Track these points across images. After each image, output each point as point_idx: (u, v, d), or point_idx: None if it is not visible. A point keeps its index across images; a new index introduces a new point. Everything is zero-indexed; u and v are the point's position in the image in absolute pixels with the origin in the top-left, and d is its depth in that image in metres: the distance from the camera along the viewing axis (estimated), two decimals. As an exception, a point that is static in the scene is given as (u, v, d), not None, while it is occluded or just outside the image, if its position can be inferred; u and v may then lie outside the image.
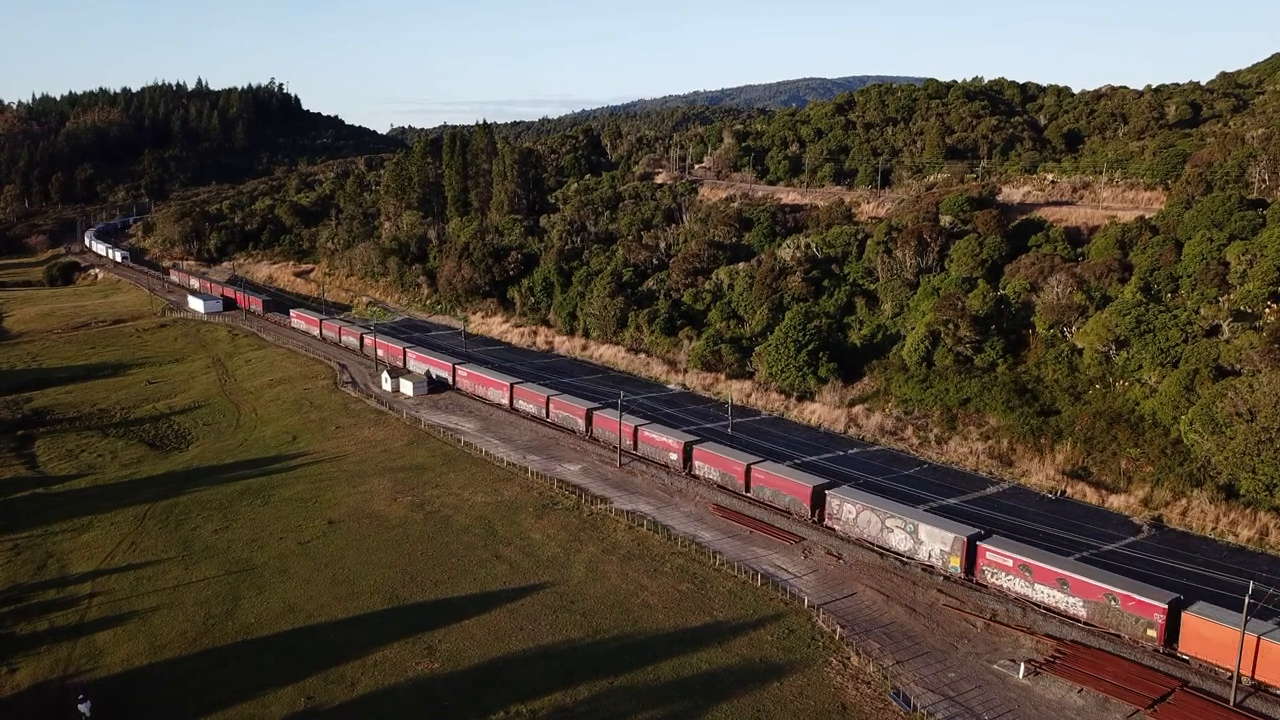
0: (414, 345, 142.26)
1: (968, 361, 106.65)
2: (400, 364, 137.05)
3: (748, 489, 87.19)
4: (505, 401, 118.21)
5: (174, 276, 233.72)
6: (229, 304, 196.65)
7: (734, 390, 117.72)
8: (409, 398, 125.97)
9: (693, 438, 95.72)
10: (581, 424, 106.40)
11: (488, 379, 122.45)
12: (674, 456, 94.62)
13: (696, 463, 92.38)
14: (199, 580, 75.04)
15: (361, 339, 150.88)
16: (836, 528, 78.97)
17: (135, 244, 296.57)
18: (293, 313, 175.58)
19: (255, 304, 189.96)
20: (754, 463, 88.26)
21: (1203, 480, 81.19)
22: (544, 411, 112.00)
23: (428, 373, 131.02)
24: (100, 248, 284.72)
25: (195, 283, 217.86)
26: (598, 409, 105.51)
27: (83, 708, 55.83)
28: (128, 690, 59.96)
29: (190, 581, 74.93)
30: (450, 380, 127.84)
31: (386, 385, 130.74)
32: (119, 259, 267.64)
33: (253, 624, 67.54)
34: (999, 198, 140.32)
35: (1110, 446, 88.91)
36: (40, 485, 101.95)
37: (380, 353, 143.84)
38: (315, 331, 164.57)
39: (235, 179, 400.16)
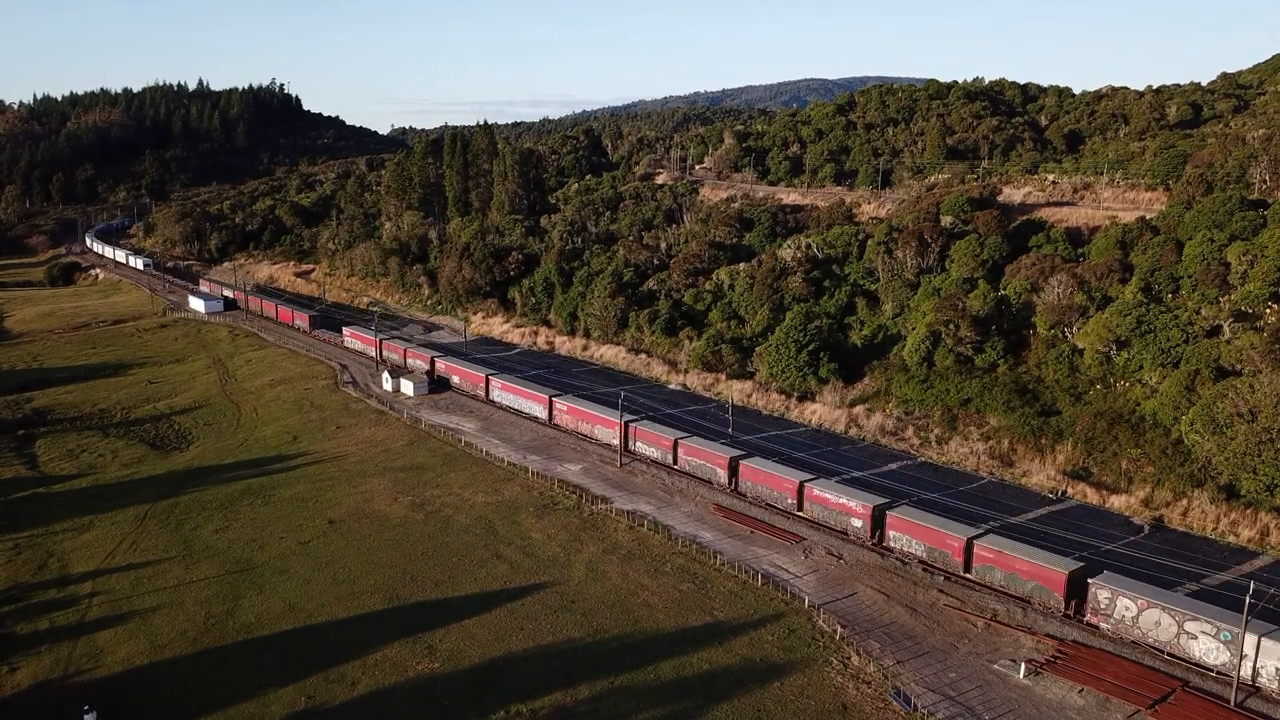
0: (498, 372, 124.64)
1: (968, 362, 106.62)
2: (483, 392, 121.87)
3: (968, 569, 70.30)
4: (617, 442, 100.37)
5: (205, 286, 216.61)
6: (230, 304, 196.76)
7: (735, 390, 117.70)
8: (409, 397, 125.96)
9: (882, 500, 78.98)
10: (723, 474, 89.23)
11: (592, 414, 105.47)
12: (857, 523, 77.91)
13: (891, 532, 75.40)
14: (199, 580, 75.06)
15: (433, 363, 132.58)
16: (1104, 626, 62.50)
17: (137, 244, 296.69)
18: (346, 331, 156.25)
19: (300, 319, 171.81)
20: (975, 535, 70.95)
21: (1203, 481, 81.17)
22: (671, 457, 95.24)
23: (513, 404, 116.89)
24: (119, 254, 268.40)
25: (228, 293, 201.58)
26: (743, 457, 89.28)
27: (88, 719, 55.84)
28: (128, 690, 59.97)
29: (191, 581, 74.95)
30: (547, 415, 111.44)
31: (387, 385, 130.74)
32: (141, 265, 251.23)
33: (253, 623, 67.55)
34: (1000, 198, 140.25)
35: (1111, 447, 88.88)
36: (41, 485, 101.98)
37: (456, 379, 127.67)
38: (371, 351, 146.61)
39: (236, 179, 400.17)
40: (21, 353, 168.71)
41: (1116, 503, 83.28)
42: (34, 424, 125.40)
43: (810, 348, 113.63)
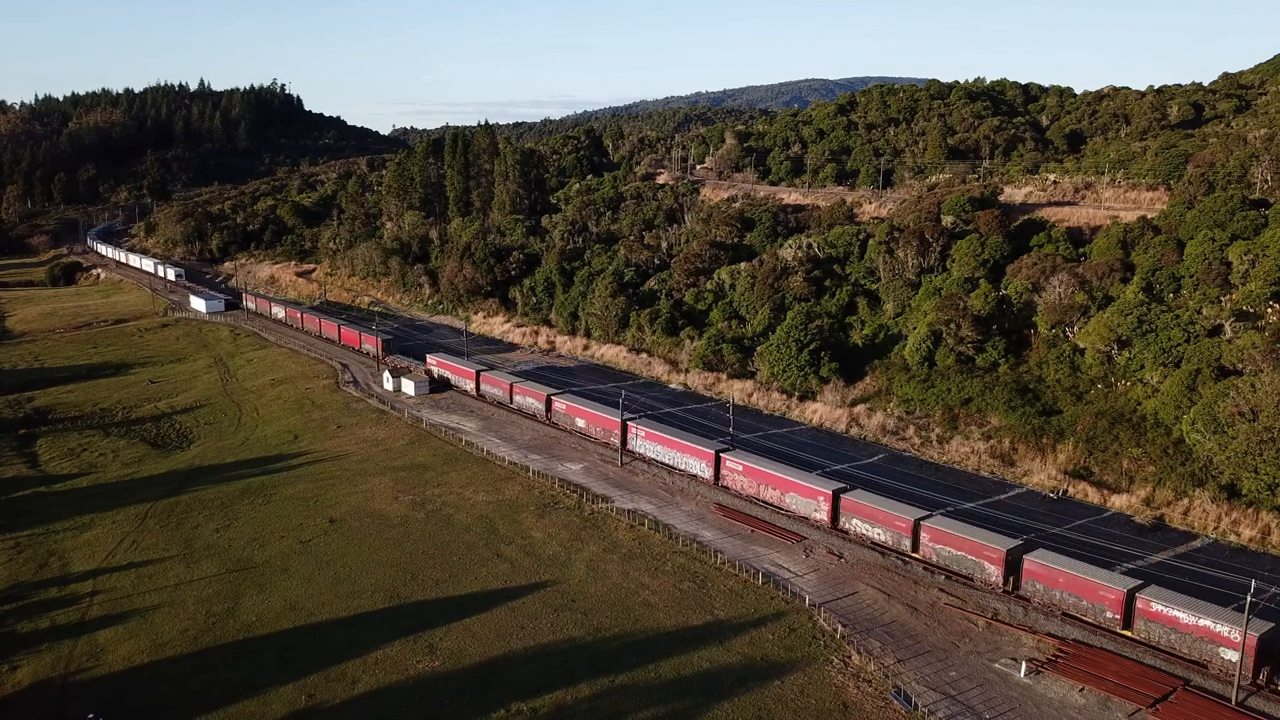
0: (637, 416, 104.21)
1: (969, 361, 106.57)
2: (622, 440, 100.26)
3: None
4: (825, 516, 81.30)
5: (250, 303, 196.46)
6: (230, 304, 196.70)
7: (735, 390, 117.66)
8: (410, 397, 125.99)
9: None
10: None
11: (777, 476, 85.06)
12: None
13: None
14: (200, 579, 75.09)
15: (549, 403, 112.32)
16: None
17: (138, 244, 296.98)
18: (430, 359, 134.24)
19: (370, 343, 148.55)
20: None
21: (1204, 480, 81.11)
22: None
23: (660, 456, 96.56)
24: (147, 264, 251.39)
25: (280, 311, 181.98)
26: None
27: None
28: (129, 688, 59.99)
29: (191, 580, 74.98)
30: (713, 475, 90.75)
31: (388, 385, 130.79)
32: (172, 276, 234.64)
33: (254, 622, 67.58)
34: (1001, 198, 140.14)
35: (1112, 446, 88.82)
36: (42, 484, 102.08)
37: (581, 422, 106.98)
38: (470, 387, 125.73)
39: (237, 179, 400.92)
40: (23, 352, 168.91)
41: (1117, 502, 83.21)
42: (35, 423, 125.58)
43: (811, 347, 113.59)
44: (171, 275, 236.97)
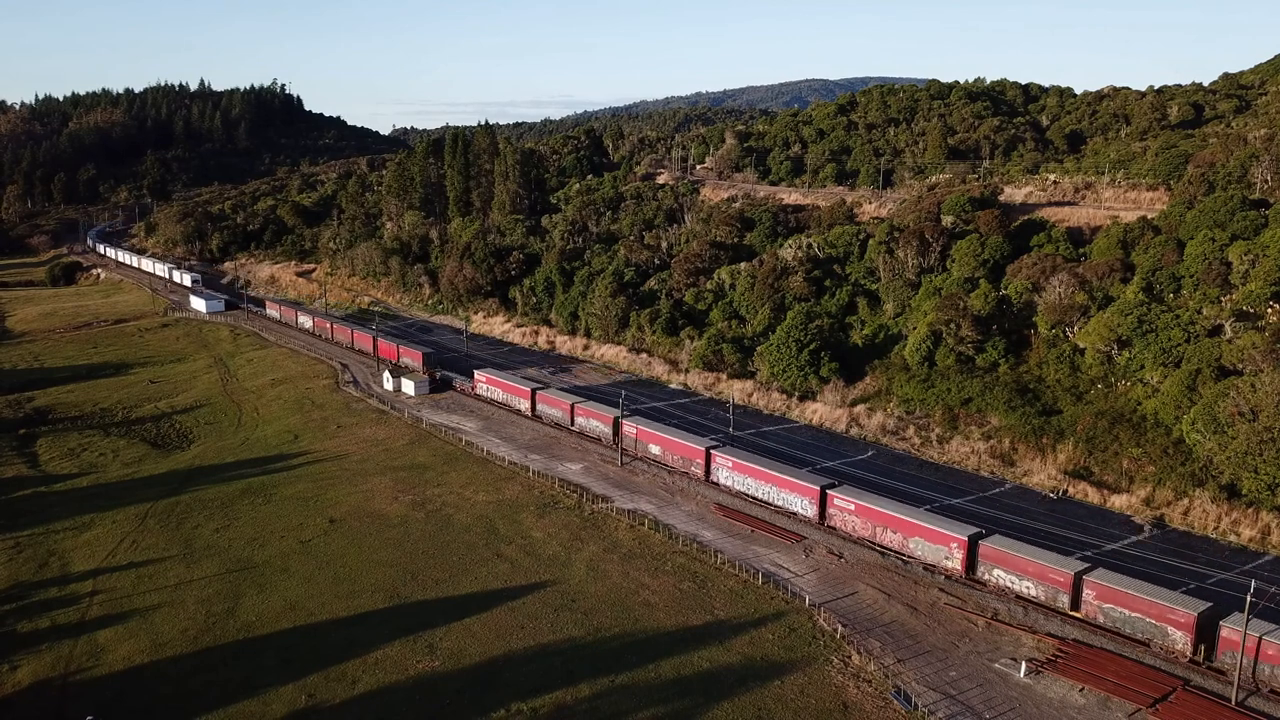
0: (721, 445, 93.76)
1: (969, 361, 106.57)
2: (706, 471, 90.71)
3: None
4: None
5: (271, 309, 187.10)
6: (231, 304, 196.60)
7: (736, 390, 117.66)
8: (410, 397, 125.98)
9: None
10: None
11: (899, 518, 75.01)
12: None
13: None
14: (200, 578, 75.07)
15: (617, 424, 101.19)
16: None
17: (138, 244, 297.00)
18: (479, 375, 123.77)
19: (410, 356, 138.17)
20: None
21: (1205, 480, 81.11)
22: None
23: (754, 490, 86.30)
24: (160, 269, 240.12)
25: (308, 320, 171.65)
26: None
27: None
28: (129, 688, 59.97)
29: (191, 580, 74.97)
30: (818, 513, 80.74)
31: (388, 384, 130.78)
32: (188, 282, 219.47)
33: (254, 622, 67.56)
34: (1001, 198, 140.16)
35: (1112, 446, 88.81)
36: (42, 484, 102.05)
37: (656, 449, 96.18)
38: (524, 406, 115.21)
39: (237, 179, 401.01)
40: (23, 352, 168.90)
41: (1117, 502, 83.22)
42: (35, 423, 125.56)
43: (811, 347, 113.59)
44: (187, 281, 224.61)
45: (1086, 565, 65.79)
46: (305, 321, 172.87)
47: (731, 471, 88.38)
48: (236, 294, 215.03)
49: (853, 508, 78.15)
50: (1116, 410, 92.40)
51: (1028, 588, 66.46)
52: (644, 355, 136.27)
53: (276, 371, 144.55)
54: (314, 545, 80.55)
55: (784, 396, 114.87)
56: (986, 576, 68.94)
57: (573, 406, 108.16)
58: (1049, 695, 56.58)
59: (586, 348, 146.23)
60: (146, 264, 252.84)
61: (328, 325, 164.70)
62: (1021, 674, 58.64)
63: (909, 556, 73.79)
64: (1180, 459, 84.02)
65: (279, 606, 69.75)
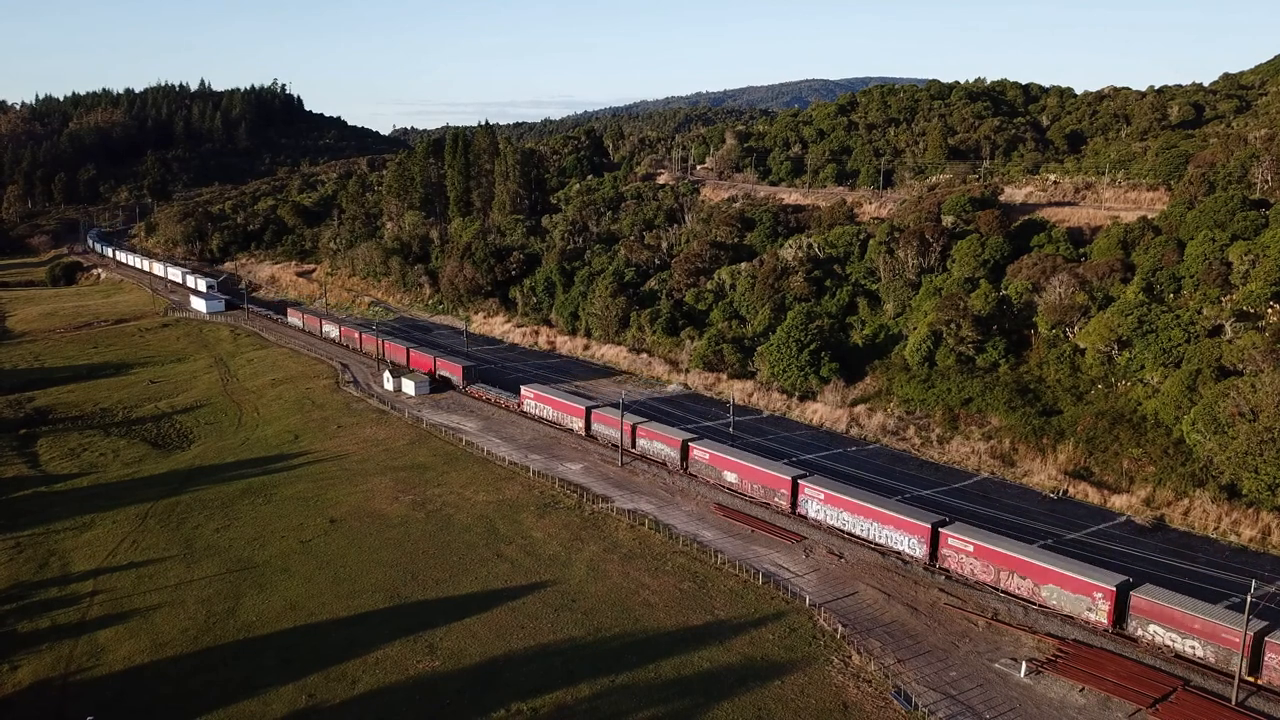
0: (808, 473, 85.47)
1: (969, 361, 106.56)
2: (792, 503, 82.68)
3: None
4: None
5: (293, 318, 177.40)
6: (231, 304, 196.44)
7: (736, 390, 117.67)
8: (411, 397, 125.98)
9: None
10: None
11: (1031, 563, 66.85)
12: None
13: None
14: (200, 578, 75.08)
15: (685, 448, 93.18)
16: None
17: (139, 244, 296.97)
18: (526, 391, 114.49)
19: (448, 370, 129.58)
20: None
21: (1205, 480, 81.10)
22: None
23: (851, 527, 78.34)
24: (174, 274, 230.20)
25: (333, 329, 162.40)
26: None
27: None
28: (129, 688, 59.98)
29: (192, 580, 74.98)
30: (929, 552, 72.83)
31: (388, 384, 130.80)
32: (204, 286, 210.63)
33: (254, 622, 67.57)
34: (1001, 198, 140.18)
35: (1112, 447, 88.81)
36: (42, 484, 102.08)
37: (732, 476, 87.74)
38: (577, 425, 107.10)
39: (238, 179, 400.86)
40: (23, 352, 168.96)
41: (1118, 502, 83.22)
42: (36, 423, 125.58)
43: (812, 347, 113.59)
44: (202, 285, 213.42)
45: (1265, 625, 57.25)
46: (330, 330, 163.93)
47: (823, 505, 79.81)
48: (254, 300, 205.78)
49: (971, 549, 69.47)
50: (1117, 410, 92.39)
51: (1192, 647, 58.65)
52: (644, 355, 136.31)
53: (277, 371, 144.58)
54: (314, 545, 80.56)
55: (784, 396, 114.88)
56: (1140, 632, 61.05)
57: (634, 428, 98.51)
58: (1049, 695, 56.57)
59: (587, 348, 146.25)
60: (159, 268, 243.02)
61: (355, 334, 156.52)
62: (1022, 674, 58.64)
63: (1041, 605, 65.69)
64: (1180, 459, 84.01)
65: (279, 606, 69.76)
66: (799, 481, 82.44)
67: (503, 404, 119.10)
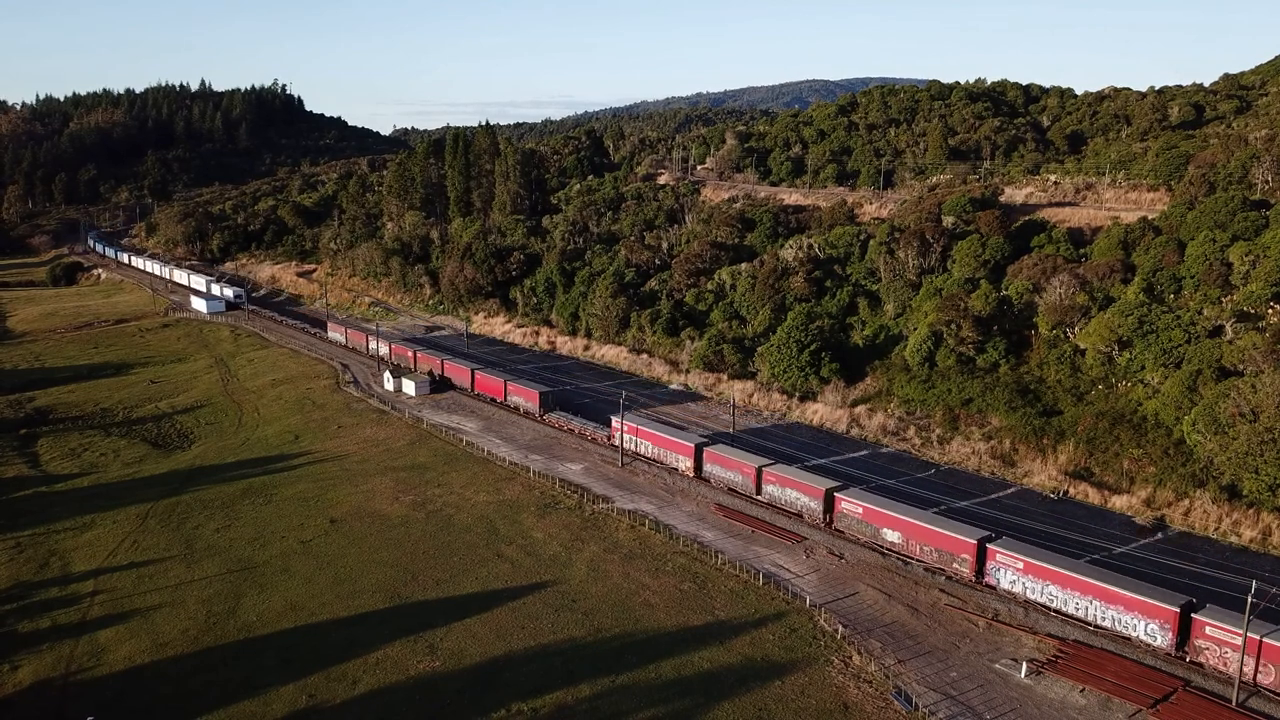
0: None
1: (970, 362, 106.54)
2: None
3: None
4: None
5: (333, 332, 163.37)
6: (231, 304, 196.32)
7: (736, 390, 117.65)
8: (411, 397, 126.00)
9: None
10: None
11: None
12: None
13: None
14: (201, 579, 75.11)
15: (830, 498, 79.23)
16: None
17: (139, 244, 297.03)
18: (617, 423, 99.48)
19: (521, 397, 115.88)
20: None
21: (1205, 481, 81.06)
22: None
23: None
24: (197, 281, 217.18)
25: (383, 347, 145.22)
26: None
27: None
28: (129, 688, 60.01)
29: (192, 580, 75.00)
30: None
31: (389, 385, 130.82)
32: (231, 295, 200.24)
33: (254, 622, 67.60)
34: (1001, 199, 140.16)
35: (1113, 447, 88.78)
36: (43, 484, 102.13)
37: (894, 536, 74.67)
38: (684, 465, 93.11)
39: (238, 180, 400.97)
40: (24, 352, 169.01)
41: (1118, 503, 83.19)
42: (36, 423, 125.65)
43: (812, 348, 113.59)
44: (230, 293, 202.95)
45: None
46: (380, 348, 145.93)
47: (1021, 575, 66.54)
48: (285, 311, 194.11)
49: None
50: (1117, 411, 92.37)
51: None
52: (644, 356, 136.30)
53: (277, 372, 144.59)
54: (315, 545, 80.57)
55: (784, 397, 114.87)
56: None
57: (759, 471, 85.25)
58: (1050, 696, 56.57)
59: (587, 348, 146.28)
60: (180, 275, 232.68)
61: (409, 353, 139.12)
62: (1022, 674, 58.63)
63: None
64: (1181, 460, 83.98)
65: (280, 606, 69.77)
66: (987, 545, 68.72)
67: (589, 435, 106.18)
